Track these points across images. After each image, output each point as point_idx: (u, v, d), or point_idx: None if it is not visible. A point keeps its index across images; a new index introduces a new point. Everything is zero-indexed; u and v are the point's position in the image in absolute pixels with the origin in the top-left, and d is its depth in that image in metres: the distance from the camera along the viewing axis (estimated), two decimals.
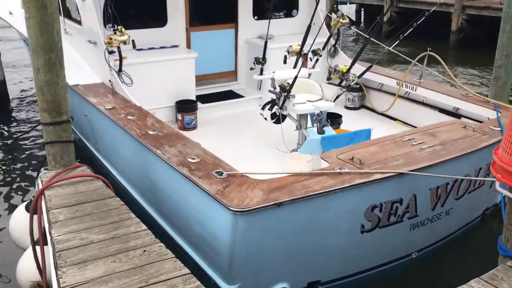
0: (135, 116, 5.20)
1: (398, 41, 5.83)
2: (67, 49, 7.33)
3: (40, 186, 3.89)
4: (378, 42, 6.88)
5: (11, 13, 9.58)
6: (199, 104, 7.04)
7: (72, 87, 6.24)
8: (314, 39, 5.67)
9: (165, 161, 4.23)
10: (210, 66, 7.70)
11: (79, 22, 6.90)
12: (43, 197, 3.63)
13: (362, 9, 21.69)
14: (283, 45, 7.21)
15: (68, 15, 7.38)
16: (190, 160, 4.17)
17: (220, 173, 3.91)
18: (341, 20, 7.16)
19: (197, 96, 7.20)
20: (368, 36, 6.30)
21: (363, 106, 7.66)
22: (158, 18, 7.07)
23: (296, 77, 5.30)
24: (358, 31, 8.14)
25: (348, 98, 7.43)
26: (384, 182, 3.94)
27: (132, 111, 5.36)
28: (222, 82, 7.90)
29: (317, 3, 6.32)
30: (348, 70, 5.75)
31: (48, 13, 3.70)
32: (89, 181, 3.92)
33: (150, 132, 4.77)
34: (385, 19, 19.02)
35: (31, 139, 8.43)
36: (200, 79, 7.54)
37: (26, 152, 7.99)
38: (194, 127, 6.76)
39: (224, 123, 7.00)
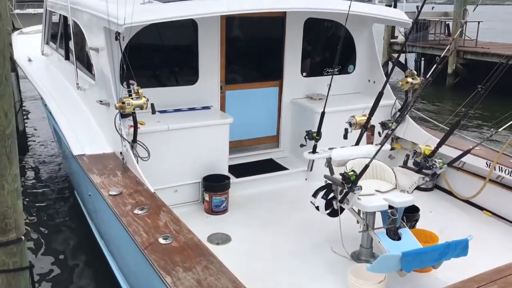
0: (145, 209, 3.85)
1: None
2: (78, 108, 6.27)
3: None
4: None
5: (30, 60, 8.64)
6: (233, 179, 5.69)
7: (77, 158, 5.01)
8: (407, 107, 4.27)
9: None
10: (248, 130, 6.39)
11: (92, 76, 5.75)
12: None
13: (423, 58, 20.13)
14: (337, 109, 5.88)
15: (82, 65, 6.27)
16: None
17: None
18: (411, 80, 5.76)
19: (231, 167, 5.86)
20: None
21: (436, 187, 6.12)
22: (188, 74, 5.86)
23: (367, 166, 3.87)
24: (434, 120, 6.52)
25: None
26: None
27: (143, 201, 4.02)
28: (262, 149, 6.55)
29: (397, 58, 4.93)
30: (433, 152, 4.28)
31: None
32: None
33: (161, 241, 3.40)
34: (449, 71, 17.65)
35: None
36: (236, 145, 6.23)
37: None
38: (224, 210, 5.37)
39: (262, 204, 5.59)
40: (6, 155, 2.71)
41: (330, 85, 4.67)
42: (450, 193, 5.88)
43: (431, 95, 16.88)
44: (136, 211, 3.83)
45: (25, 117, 11.76)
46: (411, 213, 4.69)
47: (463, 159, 5.55)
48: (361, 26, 6.68)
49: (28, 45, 9.95)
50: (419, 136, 5.98)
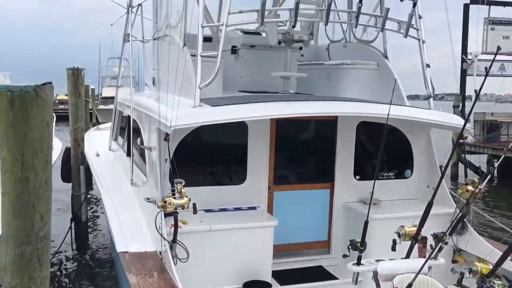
0: None
1: None
2: (131, 204, 6.40)
3: None
4: None
5: (98, 154, 9.18)
6: (276, 286, 5.40)
7: (119, 254, 5.02)
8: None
9: None
10: (296, 234, 6.16)
11: (145, 174, 5.94)
12: None
13: (495, 160, 19.09)
14: (391, 215, 5.58)
15: (141, 163, 6.52)
16: None
17: None
18: (471, 188, 5.36)
19: (276, 272, 5.59)
20: None
21: None
22: (236, 173, 5.89)
23: (410, 284, 3.52)
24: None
25: None
26: None
27: None
28: (310, 255, 6.24)
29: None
30: (493, 272, 3.83)
31: (29, 189, 2.56)
32: None
33: None
34: None
35: None
36: (283, 249, 5.99)
37: None
38: None
39: None
40: (37, 257, 2.75)
41: (372, 192, 4.48)
42: None
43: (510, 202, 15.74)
44: None
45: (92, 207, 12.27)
46: None
47: None
48: (418, 131, 6.50)
49: (100, 140, 10.65)
50: (483, 249, 5.45)
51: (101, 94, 38.39)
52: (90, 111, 20.33)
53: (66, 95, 18.30)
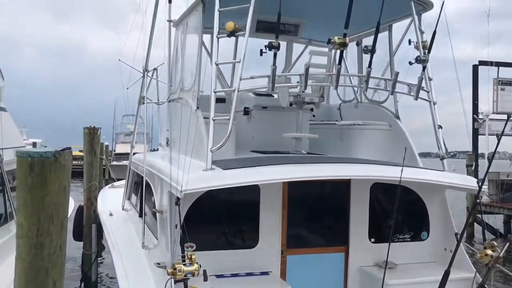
0: None
1: None
2: (142, 268, 6.23)
3: None
4: None
5: (111, 214, 9.16)
6: None
7: None
8: None
9: None
10: None
11: (156, 236, 5.88)
12: None
13: None
14: (407, 281, 5.43)
15: (152, 225, 6.47)
16: None
17: None
18: (491, 252, 5.20)
19: None
20: None
21: None
22: (248, 237, 5.79)
23: None
24: None
25: None
26: None
27: None
28: None
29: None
30: None
31: (44, 255, 2.54)
32: None
33: None
34: None
35: None
36: None
37: None
38: None
39: None
40: None
41: (387, 257, 4.37)
42: None
43: None
44: None
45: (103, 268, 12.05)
46: None
47: None
48: (433, 192, 6.43)
49: (114, 199, 10.64)
50: None
51: (114, 150, 38.89)
52: (104, 167, 20.61)
53: (81, 151, 18.64)
